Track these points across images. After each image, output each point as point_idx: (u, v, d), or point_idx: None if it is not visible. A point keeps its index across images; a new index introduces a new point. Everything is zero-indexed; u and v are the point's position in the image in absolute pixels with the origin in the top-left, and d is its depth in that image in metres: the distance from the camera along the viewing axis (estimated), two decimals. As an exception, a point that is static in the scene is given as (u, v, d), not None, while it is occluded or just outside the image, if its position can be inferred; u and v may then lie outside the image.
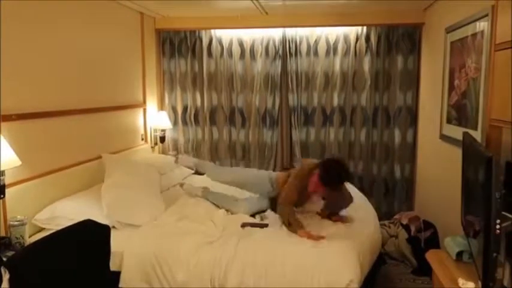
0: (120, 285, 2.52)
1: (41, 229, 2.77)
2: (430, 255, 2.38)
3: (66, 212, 2.77)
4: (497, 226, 1.61)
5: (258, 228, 2.83)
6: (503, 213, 1.68)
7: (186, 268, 2.50)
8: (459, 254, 2.24)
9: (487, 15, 2.63)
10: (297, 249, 2.53)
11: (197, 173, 4.72)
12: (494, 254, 1.63)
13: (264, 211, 3.21)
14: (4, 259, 2.16)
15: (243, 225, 2.87)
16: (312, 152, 4.77)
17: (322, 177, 2.84)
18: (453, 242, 2.30)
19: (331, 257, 2.46)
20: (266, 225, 2.89)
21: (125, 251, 2.56)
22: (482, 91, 2.73)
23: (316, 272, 2.41)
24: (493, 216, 1.61)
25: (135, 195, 3.04)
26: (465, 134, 2.35)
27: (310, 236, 2.65)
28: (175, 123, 4.92)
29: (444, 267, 2.20)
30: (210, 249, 2.56)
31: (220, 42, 4.75)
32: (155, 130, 4.71)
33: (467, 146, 2.26)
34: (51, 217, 2.75)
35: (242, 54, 4.74)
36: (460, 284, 1.93)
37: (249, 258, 2.49)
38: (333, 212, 3.07)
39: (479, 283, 1.79)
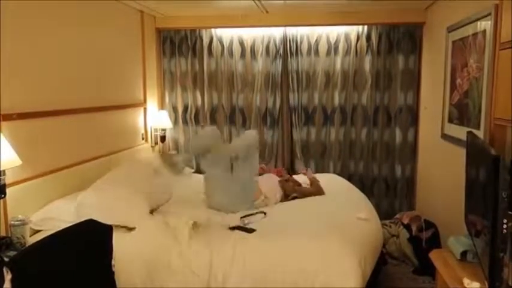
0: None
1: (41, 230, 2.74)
2: (434, 255, 2.37)
3: (62, 213, 2.74)
4: (504, 226, 1.60)
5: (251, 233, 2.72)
6: (509, 212, 1.67)
7: (182, 274, 2.46)
8: (463, 254, 2.23)
9: (489, 14, 2.63)
10: (296, 255, 2.47)
11: (197, 172, 4.71)
12: (501, 254, 1.62)
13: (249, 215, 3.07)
14: (5, 259, 2.15)
15: (232, 228, 2.78)
16: (313, 152, 4.76)
17: None
18: (457, 242, 2.30)
19: (332, 264, 2.41)
20: (254, 231, 2.73)
21: (116, 252, 2.53)
22: (484, 90, 2.73)
23: (317, 279, 2.37)
24: (500, 216, 1.60)
25: (111, 197, 2.89)
26: (469, 133, 2.34)
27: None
28: (175, 122, 4.90)
29: (448, 267, 2.19)
30: (206, 255, 2.50)
31: (220, 41, 4.73)
32: (156, 129, 4.69)
33: (472, 145, 2.25)
34: (46, 218, 2.73)
35: (243, 54, 4.72)
36: (465, 284, 1.93)
37: (247, 265, 2.44)
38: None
39: (486, 283, 1.78)
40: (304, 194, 3.53)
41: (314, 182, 3.71)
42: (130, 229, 2.73)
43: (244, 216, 2.92)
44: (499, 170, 1.60)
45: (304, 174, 3.99)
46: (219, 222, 2.88)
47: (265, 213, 3.01)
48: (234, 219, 2.91)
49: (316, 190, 3.59)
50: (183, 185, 3.91)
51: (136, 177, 3.24)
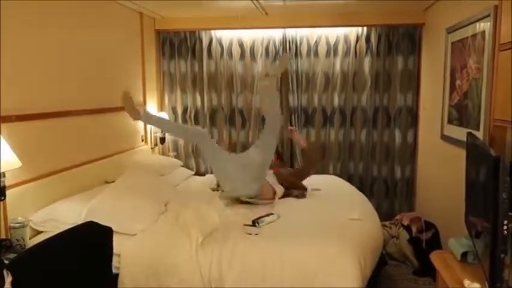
0: (118, 287, 2.50)
1: (42, 231, 2.74)
2: (435, 256, 2.37)
3: (62, 214, 2.74)
4: (505, 227, 1.60)
5: (253, 233, 2.71)
6: (510, 214, 1.67)
7: (182, 271, 2.47)
8: (464, 255, 2.23)
9: (488, 15, 2.63)
10: (295, 255, 2.47)
11: (197, 174, 4.71)
12: (502, 255, 1.62)
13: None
14: (5, 261, 2.14)
15: (255, 220, 2.81)
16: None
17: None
18: (457, 243, 2.29)
19: (331, 264, 2.41)
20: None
21: (122, 253, 2.53)
22: (484, 91, 2.73)
23: (316, 279, 2.37)
24: (501, 216, 1.60)
25: (124, 203, 2.92)
26: (469, 134, 2.34)
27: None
28: (175, 124, 4.89)
29: (449, 268, 2.19)
30: (206, 253, 2.51)
31: (220, 42, 4.73)
32: (155, 131, 4.68)
33: (472, 146, 2.25)
34: (46, 219, 2.72)
35: (242, 55, 4.72)
36: (466, 285, 1.92)
37: (246, 265, 2.44)
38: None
39: (486, 284, 1.78)
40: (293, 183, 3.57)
41: (306, 156, 3.82)
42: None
43: (258, 219, 2.87)
44: (500, 171, 1.60)
45: (293, 135, 3.91)
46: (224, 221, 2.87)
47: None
48: (246, 220, 2.89)
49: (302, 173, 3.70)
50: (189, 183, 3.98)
51: (146, 182, 3.29)
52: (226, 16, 4.51)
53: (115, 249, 2.14)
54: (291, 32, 4.62)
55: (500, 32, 2.34)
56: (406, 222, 3.78)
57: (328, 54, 4.61)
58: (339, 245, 2.51)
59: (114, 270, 2.43)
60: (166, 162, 4.34)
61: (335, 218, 2.94)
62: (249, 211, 3.07)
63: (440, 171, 3.73)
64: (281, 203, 3.28)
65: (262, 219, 2.85)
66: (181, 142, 4.93)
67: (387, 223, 3.99)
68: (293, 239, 2.61)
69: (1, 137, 2.33)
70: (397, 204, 4.69)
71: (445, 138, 3.56)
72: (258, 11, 4.26)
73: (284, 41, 4.64)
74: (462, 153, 2.54)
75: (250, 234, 2.67)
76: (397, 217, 4.03)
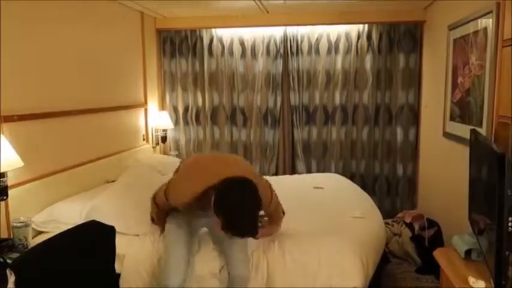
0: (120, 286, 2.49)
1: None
2: (438, 254, 2.36)
3: (64, 214, 2.73)
4: (510, 224, 1.59)
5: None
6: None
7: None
8: (468, 252, 2.22)
9: (491, 11, 2.62)
10: (297, 252, 2.47)
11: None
12: (507, 252, 1.61)
13: None
14: (8, 261, 2.13)
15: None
16: (314, 151, 4.75)
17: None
18: (461, 240, 2.29)
19: (333, 263, 2.41)
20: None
21: (125, 253, 2.52)
22: (487, 88, 2.72)
23: (318, 278, 2.37)
24: (506, 214, 1.59)
25: (126, 204, 2.85)
26: (473, 131, 2.33)
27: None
28: (176, 123, 4.89)
29: (453, 265, 2.18)
30: (206, 255, 2.50)
31: (221, 41, 4.72)
32: (156, 130, 4.68)
33: (475, 143, 2.24)
34: (48, 220, 2.72)
35: (243, 54, 4.71)
36: (471, 283, 1.91)
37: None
38: None
39: (491, 281, 1.77)
40: None
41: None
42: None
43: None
44: (505, 168, 1.59)
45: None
46: None
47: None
48: None
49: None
50: None
51: (146, 182, 3.24)
52: (227, 15, 4.50)
53: (118, 250, 2.13)
54: (292, 30, 4.60)
55: (503, 28, 2.33)
56: (408, 220, 3.78)
57: (329, 52, 4.60)
58: (342, 244, 2.50)
59: (117, 271, 2.42)
60: (168, 161, 4.32)
61: (337, 217, 2.93)
62: None
63: (442, 168, 3.72)
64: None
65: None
66: (182, 141, 4.93)
67: (389, 221, 3.98)
68: (295, 237, 2.60)
69: (3, 137, 2.33)
70: (399, 202, 4.68)
71: (447, 135, 3.55)
72: (259, 9, 4.25)
73: (285, 39, 4.63)
74: (464, 150, 2.53)
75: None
76: (399, 215, 4.02)
